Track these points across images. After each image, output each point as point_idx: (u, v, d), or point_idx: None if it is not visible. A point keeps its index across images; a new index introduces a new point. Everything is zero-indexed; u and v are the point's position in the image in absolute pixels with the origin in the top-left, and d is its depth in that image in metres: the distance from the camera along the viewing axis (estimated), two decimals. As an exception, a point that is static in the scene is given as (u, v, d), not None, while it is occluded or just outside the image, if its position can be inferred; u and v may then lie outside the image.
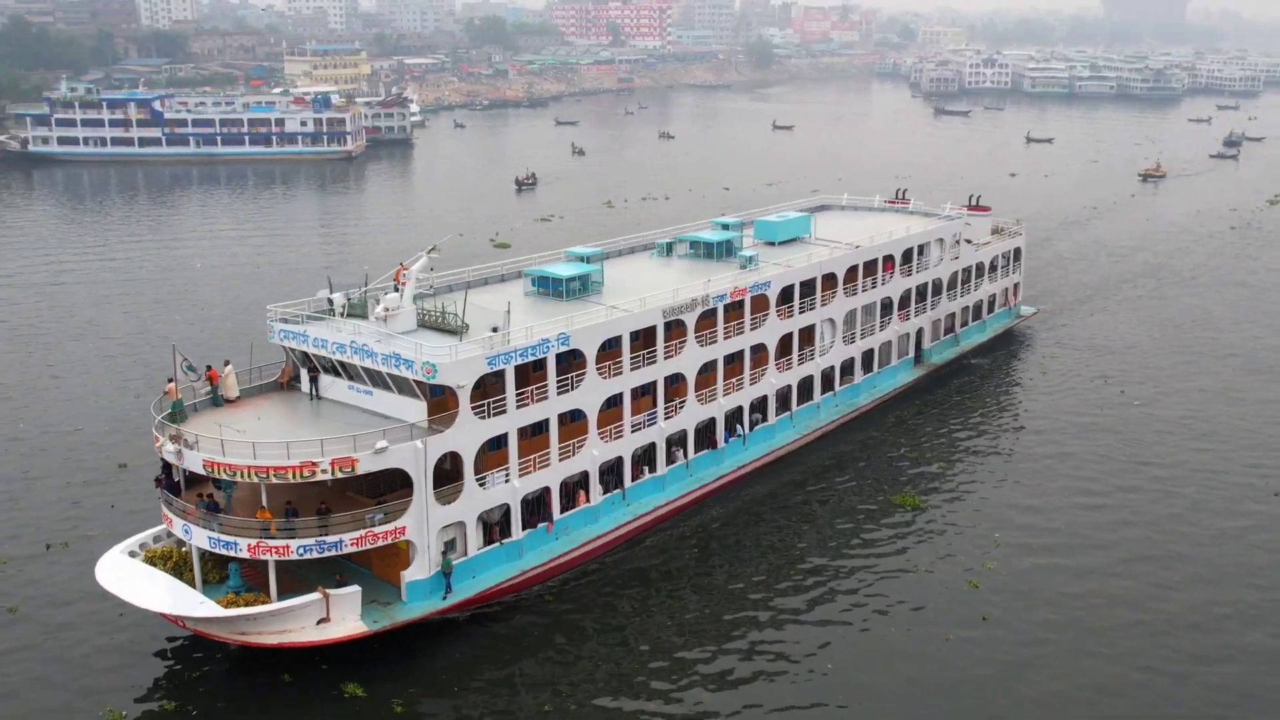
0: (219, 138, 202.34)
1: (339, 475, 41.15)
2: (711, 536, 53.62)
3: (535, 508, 48.74)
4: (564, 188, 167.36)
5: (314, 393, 48.05)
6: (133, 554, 44.22)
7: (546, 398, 47.65)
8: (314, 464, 40.50)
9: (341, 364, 46.26)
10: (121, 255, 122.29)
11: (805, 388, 64.08)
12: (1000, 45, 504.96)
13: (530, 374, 47.31)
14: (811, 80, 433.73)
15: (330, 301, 48.46)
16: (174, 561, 43.81)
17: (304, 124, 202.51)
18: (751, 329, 58.84)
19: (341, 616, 42.07)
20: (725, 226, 67.37)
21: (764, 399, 60.96)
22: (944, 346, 77.11)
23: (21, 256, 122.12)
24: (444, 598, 44.00)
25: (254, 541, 40.95)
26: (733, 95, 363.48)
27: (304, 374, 48.27)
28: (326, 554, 41.62)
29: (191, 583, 42.56)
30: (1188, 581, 49.42)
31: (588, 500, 50.65)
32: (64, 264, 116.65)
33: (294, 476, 40.55)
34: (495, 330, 45.80)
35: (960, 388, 74.29)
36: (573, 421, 49.66)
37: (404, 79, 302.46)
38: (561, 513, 49.59)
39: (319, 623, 41.67)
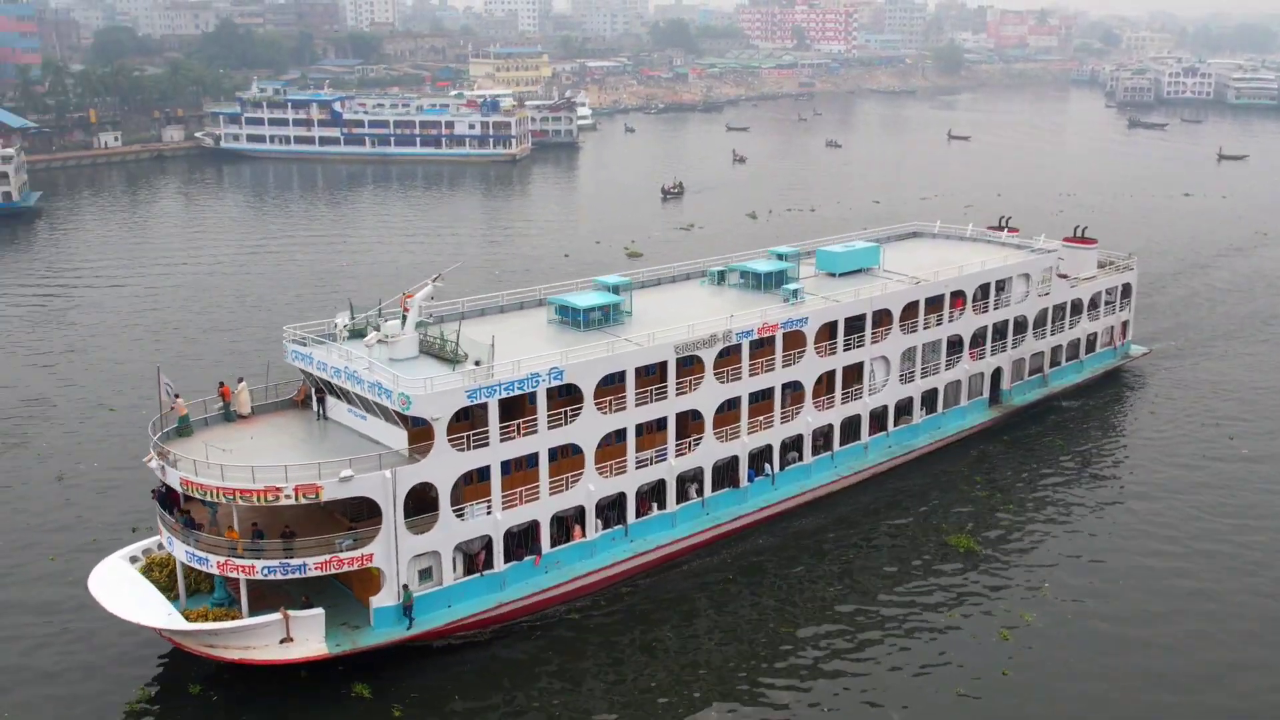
0: (392, 138, 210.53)
1: (303, 501, 42.20)
2: (740, 572, 52.74)
3: (523, 540, 48.81)
4: (712, 197, 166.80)
5: (320, 413, 49.49)
6: (134, 559, 46.56)
7: (536, 432, 47.59)
8: (278, 489, 41.69)
9: (340, 388, 47.44)
10: (281, 249, 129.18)
11: (850, 427, 61.92)
12: (1214, 52, 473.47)
13: (520, 407, 47.35)
14: (1002, 87, 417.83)
15: (339, 324, 49.86)
16: (169, 570, 45.90)
17: (472, 127, 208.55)
18: (785, 366, 57.22)
19: (305, 637, 43.18)
20: (781, 256, 65.64)
21: (799, 438, 59.22)
22: (1028, 387, 73.09)
23: (191, 245, 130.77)
24: (407, 628, 44.54)
25: (223, 559, 42.49)
26: (916, 102, 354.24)
27: (314, 394, 49.82)
28: (291, 576, 42.80)
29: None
30: (1247, 668, 45.39)
31: (583, 535, 50.35)
32: (221, 255, 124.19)
33: (259, 500, 41.84)
34: (478, 364, 46.03)
35: (1043, 431, 70.36)
36: (567, 456, 49.45)
37: (584, 81, 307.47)
38: (553, 546, 49.45)
39: (282, 642, 42.88)
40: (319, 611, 43.44)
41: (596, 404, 49.37)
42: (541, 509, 48.60)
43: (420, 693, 43.19)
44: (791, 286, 60.22)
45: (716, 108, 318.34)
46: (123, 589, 43.97)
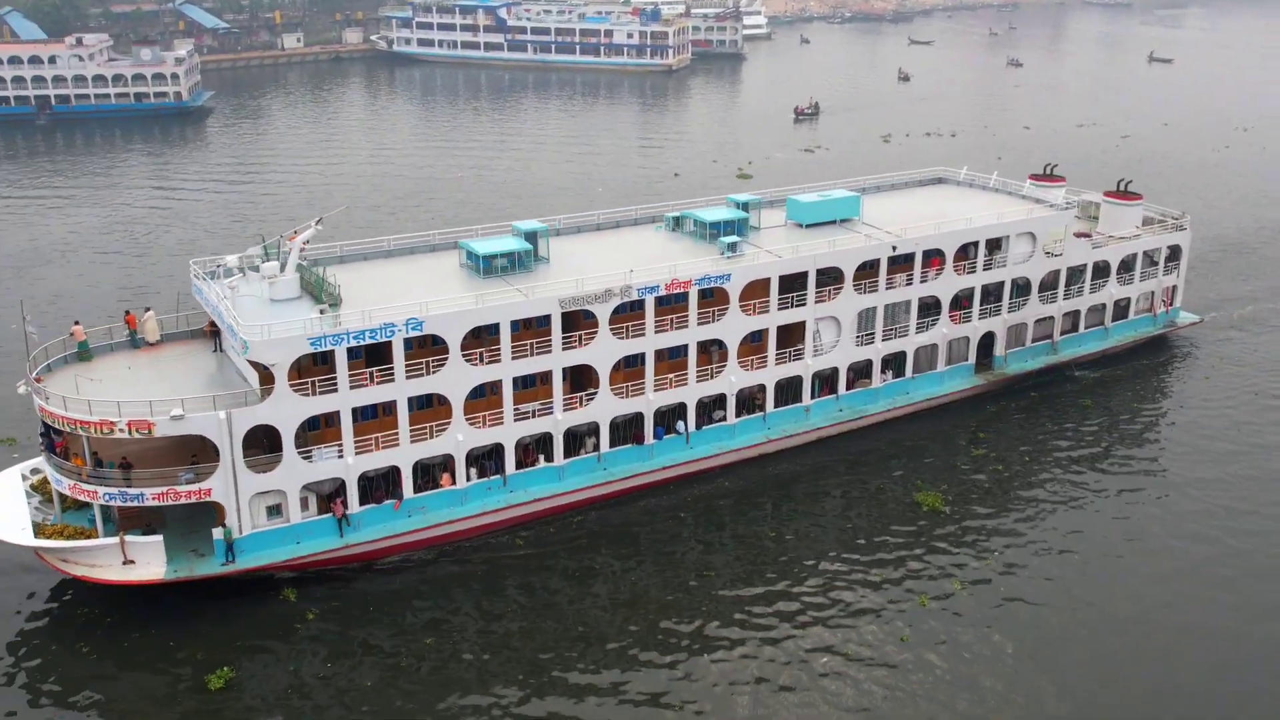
0: (553, 45, 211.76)
1: (136, 435, 44.47)
2: (630, 531, 52.54)
3: (385, 485, 49.91)
4: (852, 118, 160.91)
5: (217, 345, 51.63)
6: (27, 474, 50.12)
7: (392, 380, 48.23)
8: (112, 423, 44.05)
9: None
10: (437, 155, 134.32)
11: (789, 389, 59.69)
12: None
13: (386, 355, 47.99)
14: (1248, 0, 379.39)
15: (242, 258, 51.70)
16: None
17: (630, 36, 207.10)
18: (701, 324, 55.52)
19: (146, 561, 45.90)
20: (741, 205, 63.02)
21: (720, 398, 57.61)
22: (1031, 354, 68.24)
23: (342, 147, 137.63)
24: (224, 564, 46.54)
25: (72, 483, 45.45)
26: (1133, 14, 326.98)
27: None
28: (130, 503, 45.37)
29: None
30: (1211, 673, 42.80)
31: (452, 483, 51.00)
32: (374, 158, 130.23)
33: (96, 432, 44.35)
34: (323, 310, 46.86)
35: (1040, 402, 65.79)
36: (432, 405, 49.95)
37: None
38: (417, 493, 50.37)
39: (125, 563, 45.73)
40: (158, 539, 45.99)
41: (465, 355, 49.49)
42: (402, 455, 49.46)
43: (340, 601, 46.50)
44: (729, 239, 57.96)
45: (907, 18, 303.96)
46: (2, 503, 47.57)
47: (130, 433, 44.26)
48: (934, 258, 62.36)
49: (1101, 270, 69.84)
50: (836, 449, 60.62)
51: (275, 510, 47.63)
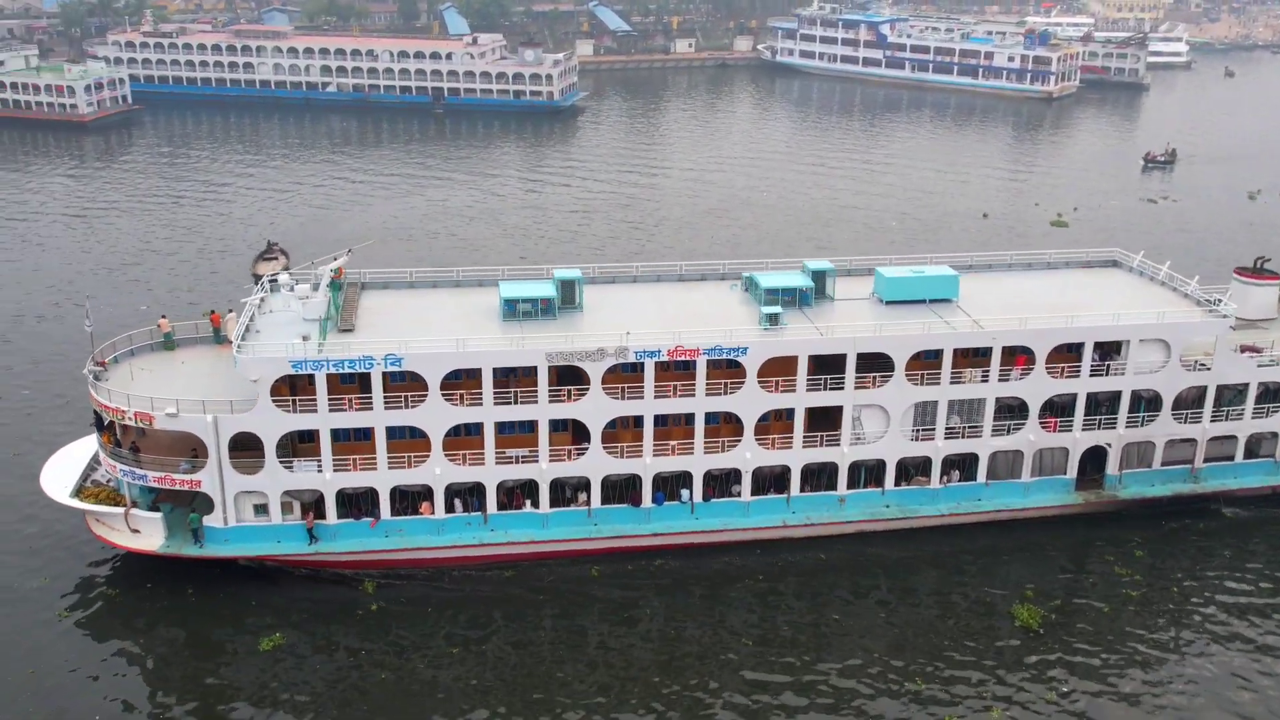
0: (931, 65, 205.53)
1: (141, 425, 50.99)
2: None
3: (364, 504, 53.45)
4: (1220, 168, 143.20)
5: (278, 350, 57.57)
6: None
7: (370, 409, 51.50)
8: (122, 411, 50.87)
9: (259, 335, 54.91)
10: (787, 172, 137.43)
11: (823, 474, 56.34)
12: None
13: (356, 384, 51.47)
14: None
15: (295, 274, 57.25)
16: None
17: (1010, 59, 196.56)
18: (709, 394, 53.87)
19: (150, 533, 52.58)
20: (818, 273, 59.69)
21: (734, 473, 55.57)
22: (1160, 478, 59.26)
23: (690, 153, 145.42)
24: (196, 542, 52.22)
25: (106, 458, 52.97)
26: None
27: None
28: (137, 482, 52.06)
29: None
30: None
31: (431, 512, 53.57)
32: (718, 166, 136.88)
33: (112, 416, 51.39)
34: (305, 339, 50.85)
35: (1173, 535, 57.32)
36: (411, 437, 52.63)
37: (1218, 7, 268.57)
38: (394, 516, 53.46)
39: (133, 532, 52.71)
40: (158, 516, 52.45)
41: (444, 394, 51.74)
42: (379, 479, 52.70)
43: (406, 603, 51.37)
44: (770, 310, 55.52)
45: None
46: (68, 466, 56.04)
47: (136, 422, 50.90)
48: (1020, 355, 55.97)
49: (1275, 393, 59.05)
50: (878, 545, 56.50)
51: (261, 509, 52.64)
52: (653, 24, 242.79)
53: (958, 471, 57.59)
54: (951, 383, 55.64)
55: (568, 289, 57.28)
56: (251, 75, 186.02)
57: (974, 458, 57.32)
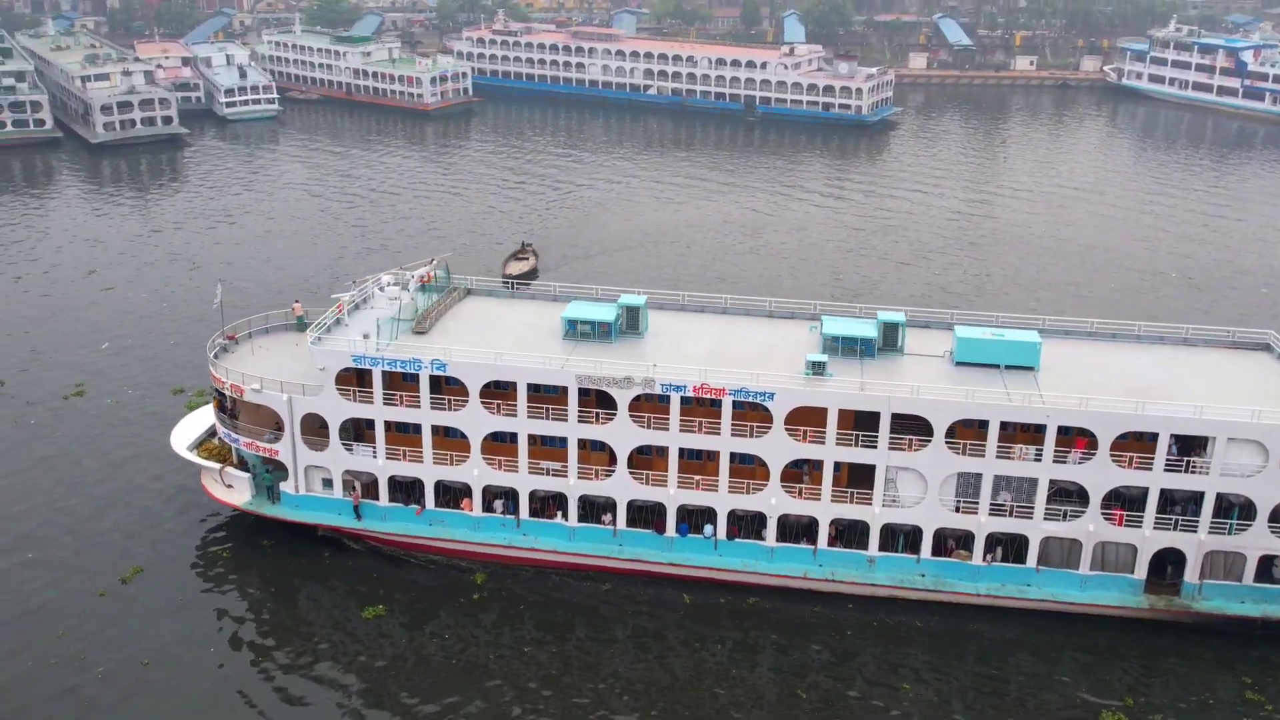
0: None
1: (236, 397, 58.37)
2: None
3: (413, 491, 58.22)
4: None
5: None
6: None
7: (418, 406, 56.08)
8: (223, 383, 58.49)
9: (368, 326, 61.10)
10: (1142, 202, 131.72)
11: (854, 532, 54.90)
12: None
13: (412, 383, 56.15)
14: None
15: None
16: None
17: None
18: (734, 435, 54.00)
19: (240, 490, 60.17)
20: (888, 325, 57.57)
21: (759, 516, 55.31)
22: (1251, 595, 52.75)
23: (1019, 178, 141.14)
24: (272, 503, 58.82)
25: (215, 422, 61.19)
26: None
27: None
28: (234, 444, 59.67)
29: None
30: None
31: (471, 509, 57.54)
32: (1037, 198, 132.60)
33: (220, 388, 59.15)
34: (365, 337, 56.00)
35: (1261, 662, 51.56)
36: (453, 437, 56.62)
37: None
38: (438, 507, 57.91)
39: (227, 487, 60.52)
40: (246, 475, 59.83)
41: (483, 401, 55.40)
42: (425, 472, 57.26)
43: (511, 599, 55.73)
44: (817, 359, 54.66)
45: None
46: (198, 427, 64.58)
47: (231, 394, 58.42)
48: (1081, 437, 51.77)
49: None
50: (910, 614, 54.52)
51: (327, 483, 58.81)
52: (996, 39, 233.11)
53: (1002, 550, 54.19)
54: (998, 457, 52.42)
55: (631, 314, 59.15)
56: (582, 75, 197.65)
57: (1024, 540, 53.69)
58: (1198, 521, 52.23)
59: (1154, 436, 51.34)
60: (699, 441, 54.72)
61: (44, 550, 58.83)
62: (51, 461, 67.79)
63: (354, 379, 56.98)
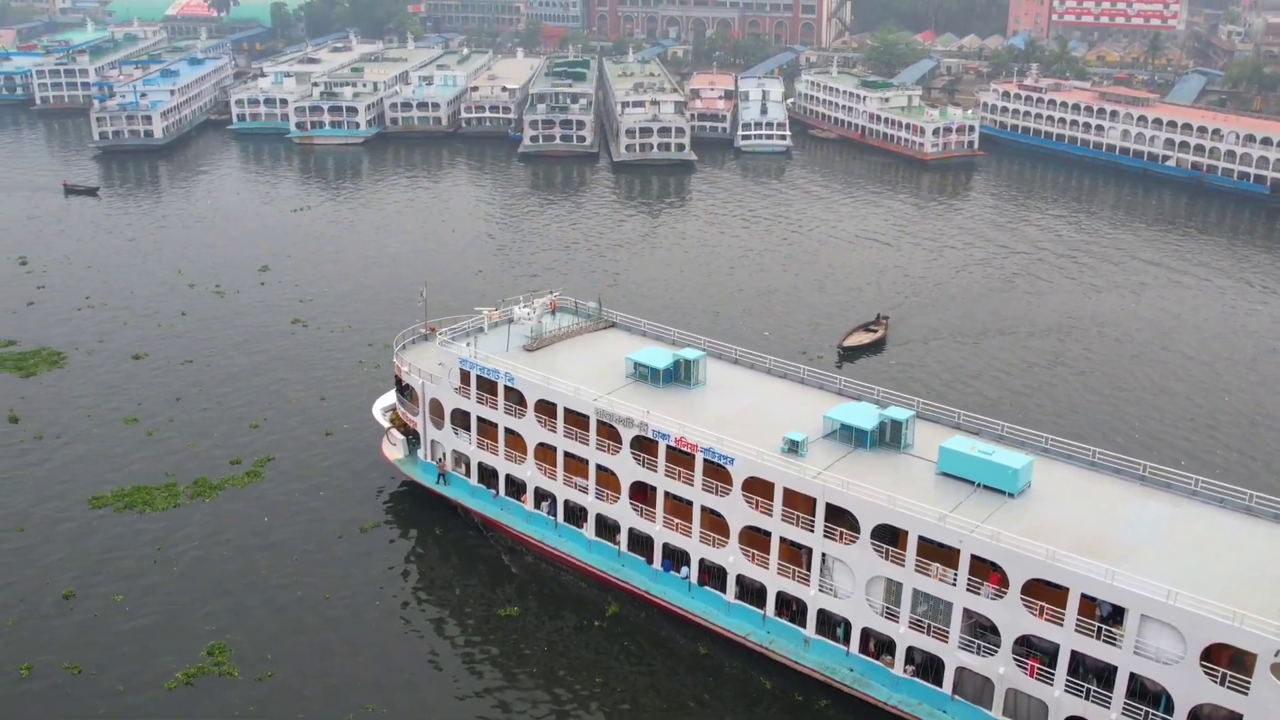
0: None
1: (399, 377, 73.47)
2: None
3: (491, 476, 69.29)
4: None
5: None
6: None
7: (496, 409, 67.10)
8: (398, 365, 73.75)
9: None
10: None
11: (793, 605, 56.74)
12: None
13: (491, 387, 67.19)
14: None
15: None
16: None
17: None
18: (703, 490, 58.26)
19: (398, 450, 75.32)
20: (894, 422, 57.09)
21: (722, 571, 58.86)
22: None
23: None
24: (436, 481, 72.27)
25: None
26: None
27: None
28: (387, 414, 75.14)
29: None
30: None
31: (526, 504, 67.68)
32: None
33: (396, 370, 74.71)
34: (468, 344, 67.91)
35: None
36: (518, 439, 66.66)
37: None
38: (507, 496, 68.64)
39: (391, 446, 76.05)
40: (401, 437, 74.77)
41: (536, 415, 65.08)
42: (499, 464, 68.29)
43: (644, 635, 61.31)
44: (796, 437, 56.97)
45: None
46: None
47: (398, 374, 73.66)
48: (994, 571, 49.44)
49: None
50: (837, 705, 55.59)
51: (457, 462, 71.76)
52: None
53: (912, 666, 53.02)
54: (916, 570, 51.61)
55: (683, 366, 65.17)
56: (1100, 138, 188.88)
57: (939, 663, 52.09)
58: (1110, 699, 47.33)
59: (1056, 593, 47.73)
60: (679, 488, 59.76)
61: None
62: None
63: (465, 378, 69.30)
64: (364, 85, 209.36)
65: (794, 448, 56.94)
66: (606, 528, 64.66)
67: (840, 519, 54.04)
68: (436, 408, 71.40)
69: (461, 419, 70.68)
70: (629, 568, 63.51)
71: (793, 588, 56.79)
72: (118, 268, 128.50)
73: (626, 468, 61.88)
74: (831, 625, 56.15)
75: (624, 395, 63.00)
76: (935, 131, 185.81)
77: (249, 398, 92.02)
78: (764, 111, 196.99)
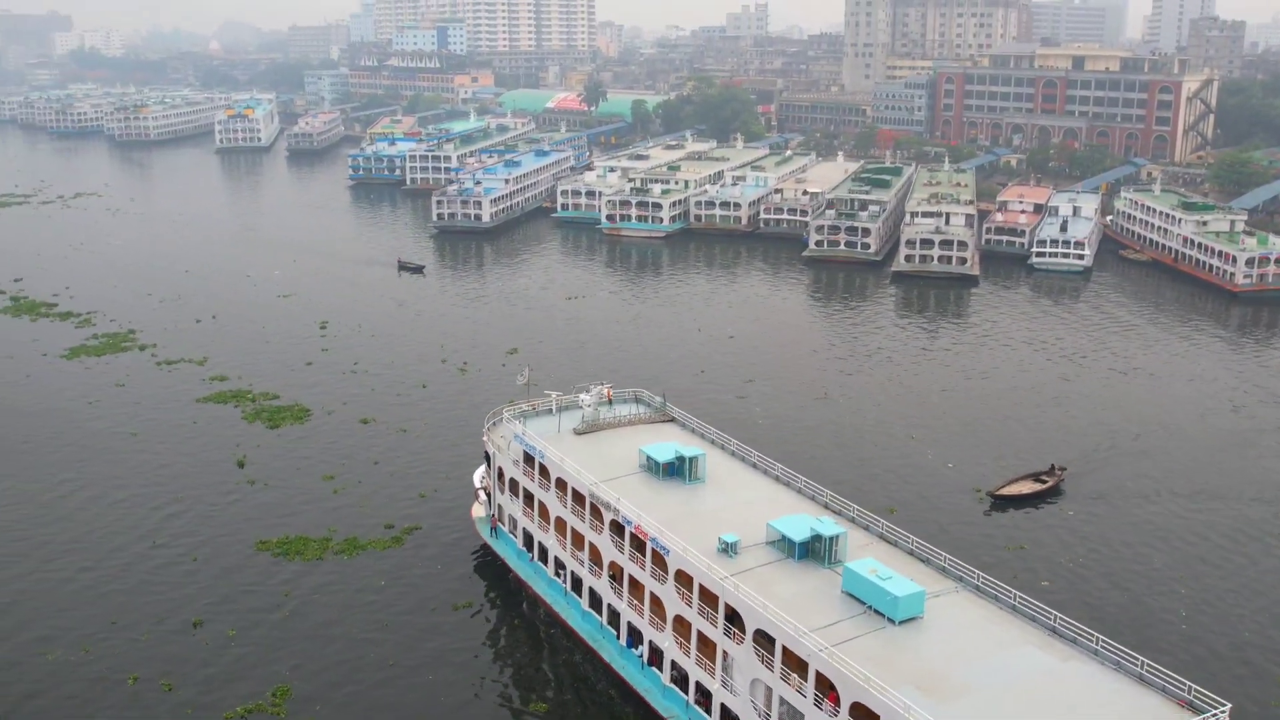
0: None
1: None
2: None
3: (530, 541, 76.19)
4: None
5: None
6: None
7: (533, 480, 73.14)
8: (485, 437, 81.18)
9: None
10: None
11: (708, 697, 58.72)
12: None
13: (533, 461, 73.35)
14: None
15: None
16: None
17: None
18: (651, 576, 61.94)
19: (480, 512, 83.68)
20: (825, 537, 58.89)
21: (660, 652, 61.89)
22: None
23: None
24: (490, 533, 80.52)
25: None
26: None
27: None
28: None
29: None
30: None
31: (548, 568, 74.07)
32: None
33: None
34: (521, 422, 75.00)
35: None
36: (546, 509, 72.50)
37: None
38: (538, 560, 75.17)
39: (479, 505, 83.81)
40: (484, 500, 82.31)
41: (556, 492, 71.20)
42: (534, 530, 75.80)
43: None
44: (730, 539, 60.06)
45: None
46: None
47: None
48: (831, 691, 50.25)
49: None
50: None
51: (513, 526, 78.07)
52: None
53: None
54: (781, 678, 53.11)
55: (684, 462, 69.27)
56: None
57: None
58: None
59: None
60: (636, 571, 63.51)
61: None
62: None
63: (519, 452, 75.59)
64: (675, 183, 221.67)
65: (728, 548, 59.68)
66: (594, 599, 68.76)
67: (736, 620, 55.91)
68: (500, 475, 78.31)
69: (514, 487, 76.81)
70: (605, 639, 67.50)
71: (705, 679, 58.95)
72: (393, 338, 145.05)
73: (606, 546, 66.20)
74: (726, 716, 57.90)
75: (627, 483, 67.64)
76: (1249, 261, 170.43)
77: (433, 469, 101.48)
78: (1063, 229, 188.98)
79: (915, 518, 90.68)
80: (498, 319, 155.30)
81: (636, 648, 65.33)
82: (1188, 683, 49.97)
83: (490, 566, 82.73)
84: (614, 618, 67.41)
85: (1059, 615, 55.29)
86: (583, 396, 79.15)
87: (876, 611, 54.54)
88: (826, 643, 51.52)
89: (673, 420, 79.86)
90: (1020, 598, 57.00)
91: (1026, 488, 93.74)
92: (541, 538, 73.94)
